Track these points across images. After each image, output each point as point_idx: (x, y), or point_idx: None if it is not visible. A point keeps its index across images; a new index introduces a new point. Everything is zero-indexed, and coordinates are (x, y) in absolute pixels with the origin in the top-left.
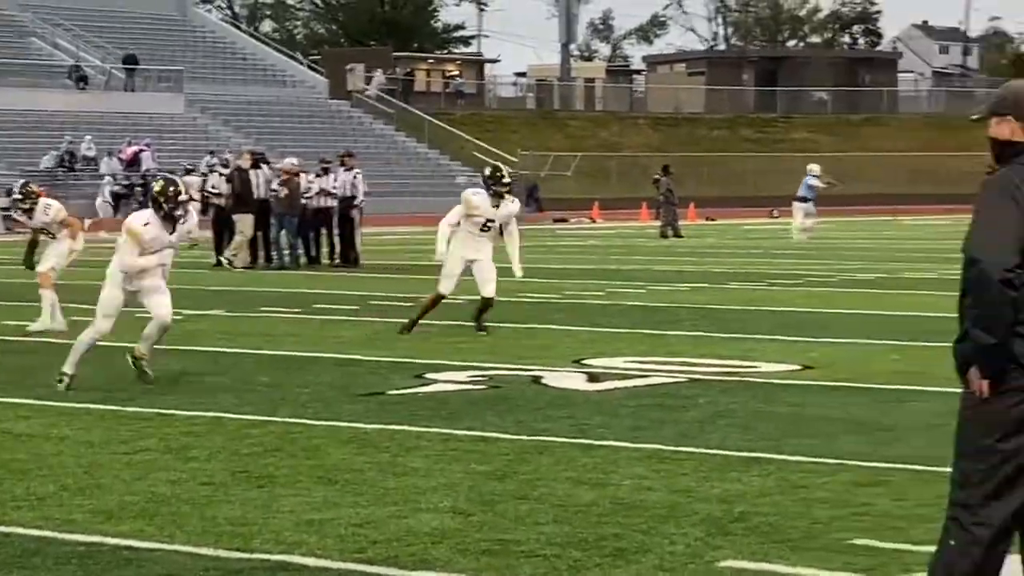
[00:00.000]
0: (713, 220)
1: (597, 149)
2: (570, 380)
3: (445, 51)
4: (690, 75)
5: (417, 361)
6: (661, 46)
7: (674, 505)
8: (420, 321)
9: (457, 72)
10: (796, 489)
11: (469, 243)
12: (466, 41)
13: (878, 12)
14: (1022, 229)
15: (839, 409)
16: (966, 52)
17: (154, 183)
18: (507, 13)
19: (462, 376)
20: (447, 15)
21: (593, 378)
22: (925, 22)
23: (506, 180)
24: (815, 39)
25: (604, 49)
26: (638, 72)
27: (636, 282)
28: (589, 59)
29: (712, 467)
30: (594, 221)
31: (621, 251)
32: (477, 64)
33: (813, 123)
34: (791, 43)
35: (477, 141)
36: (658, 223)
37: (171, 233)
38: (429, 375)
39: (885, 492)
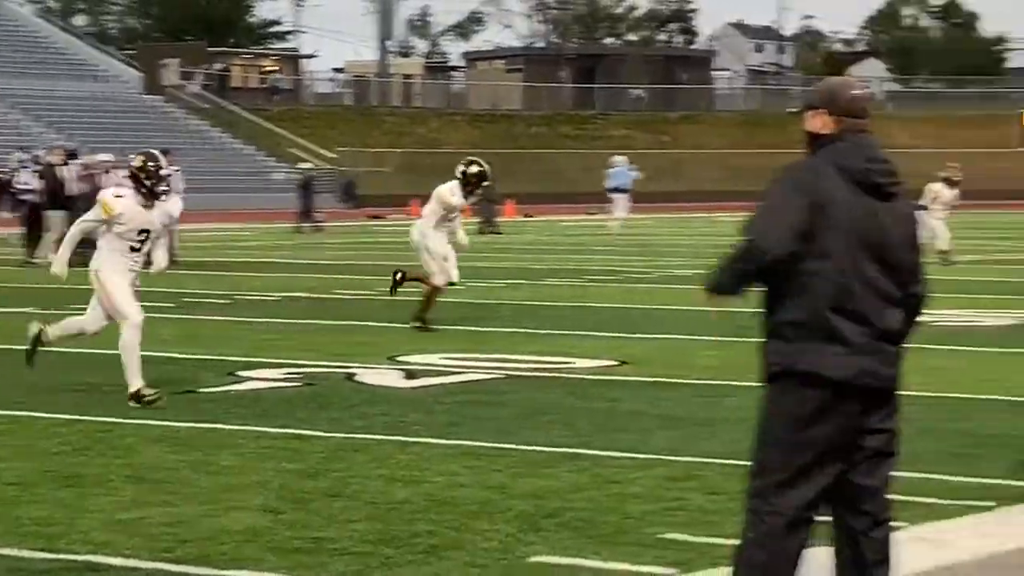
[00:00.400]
0: (531, 216)
1: (415, 145)
2: (386, 377)
3: (261, 47)
4: (508, 72)
5: (230, 359)
6: (479, 43)
7: (487, 501)
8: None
9: (276, 68)
10: (610, 484)
11: (444, 233)
12: (282, 36)
13: (693, 10)
14: (804, 219)
15: (655, 405)
16: (780, 50)
17: (134, 159)
18: (324, 9)
19: (276, 374)
20: (263, 10)
21: (409, 375)
22: (740, 21)
23: (488, 182)
24: (632, 37)
25: (422, 45)
26: (456, 69)
27: None
28: (407, 55)
29: (526, 463)
30: (412, 217)
31: None
32: (294, 60)
33: (630, 120)
34: (608, 41)
35: (294, 137)
36: (476, 219)
37: (149, 210)
38: (242, 372)
39: (698, 486)
